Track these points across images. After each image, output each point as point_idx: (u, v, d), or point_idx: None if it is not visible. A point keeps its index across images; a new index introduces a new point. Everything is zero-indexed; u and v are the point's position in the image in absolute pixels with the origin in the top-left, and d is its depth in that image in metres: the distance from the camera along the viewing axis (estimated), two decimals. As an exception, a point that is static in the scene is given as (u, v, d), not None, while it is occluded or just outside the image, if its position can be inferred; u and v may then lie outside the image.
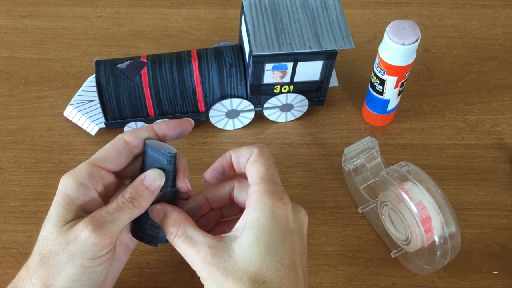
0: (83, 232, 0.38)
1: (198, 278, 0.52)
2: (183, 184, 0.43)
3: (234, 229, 0.40)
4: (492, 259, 0.54)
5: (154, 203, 0.42)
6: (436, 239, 0.47)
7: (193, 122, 0.44)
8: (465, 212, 0.57)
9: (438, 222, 0.47)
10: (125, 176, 0.44)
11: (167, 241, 0.42)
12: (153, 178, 0.41)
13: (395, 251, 0.53)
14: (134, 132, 0.43)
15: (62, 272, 0.38)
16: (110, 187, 0.43)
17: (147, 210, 0.43)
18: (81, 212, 0.40)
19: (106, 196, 0.43)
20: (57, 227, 0.39)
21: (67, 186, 0.40)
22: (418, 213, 0.47)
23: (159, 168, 0.42)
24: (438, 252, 0.48)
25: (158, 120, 0.43)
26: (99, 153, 0.42)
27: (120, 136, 0.43)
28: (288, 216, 0.39)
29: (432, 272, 0.51)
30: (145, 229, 0.43)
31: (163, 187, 0.42)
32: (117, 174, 0.44)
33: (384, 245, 0.54)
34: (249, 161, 0.42)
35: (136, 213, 0.41)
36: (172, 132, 0.43)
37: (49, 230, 0.39)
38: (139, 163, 0.44)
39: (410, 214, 0.47)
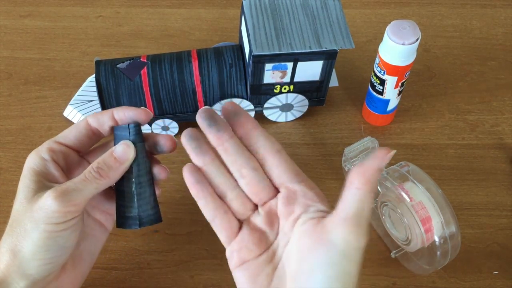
0: (46, 200, 0.39)
1: (198, 278, 0.52)
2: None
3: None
4: (492, 259, 0.54)
5: (127, 178, 0.43)
6: (436, 239, 0.47)
7: (151, 114, 0.44)
8: (465, 212, 0.57)
9: (438, 222, 0.47)
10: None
11: (150, 223, 0.43)
12: (122, 150, 0.42)
13: (395, 251, 0.53)
14: (96, 115, 0.44)
15: (27, 237, 0.40)
16: (73, 164, 0.45)
17: (123, 193, 0.43)
18: (47, 182, 0.42)
19: (70, 172, 0.44)
20: (27, 198, 0.41)
21: (30, 160, 0.42)
22: (418, 213, 0.47)
23: None
24: (438, 252, 0.48)
25: (119, 107, 0.44)
26: (62, 132, 0.45)
27: (85, 117, 0.45)
28: None
29: (432, 272, 0.51)
30: (124, 212, 0.44)
31: (133, 162, 0.43)
32: (86, 157, 0.46)
33: (384, 245, 0.54)
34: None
35: (103, 183, 0.41)
36: (127, 120, 0.44)
37: (19, 202, 0.41)
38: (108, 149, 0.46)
39: (410, 214, 0.47)
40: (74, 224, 0.41)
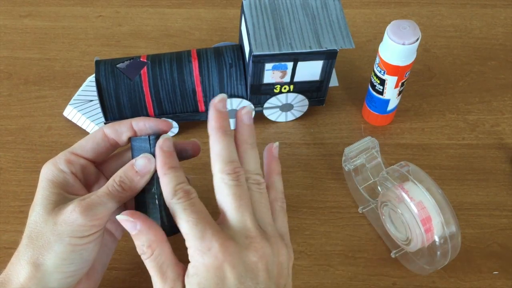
0: (72, 214, 0.39)
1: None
2: (193, 144, 0.45)
3: (186, 274, 0.39)
4: (492, 259, 0.54)
5: (149, 190, 0.43)
6: (436, 239, 0.47)
7: (171, 125, 0.44)
8: (465, 212, 0.57)
9: (438, 222, 0.47)
10: (110, 172, 0.45)
11: (171, 233, 0.42)
12: (143, 163, 0.42)
13: (395, 251, 0.53)
14: (113, 125, 0.44)
15: (51, 250, 0.39)
16: (90, 176, 0.45)
17: (145, 204, 0.43)
18: (66, 194, 0.41)
19: (87, 185, 0.44)
20: (46, 210, 0.40)
21: (48, 172, 0.42)
22: (418, 213, 0.47)
23: None
24: (438, 252, 0.48)
25: (139, 117, 0.44)
26: (78, 143, 0.44)
27: (101, 127, 0.44)
28: (222, 266, 0.37)
29: (432, 272, 0.51)
30: None
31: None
32: (99, 167, 0.46)
33: (384, 245, 0.54)
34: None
35: (126, 196, 0.42)
36: (147, 130, 0.44)
37: (38, 213, 0.40)
38: (124, 160, 0.46)
39: (410, 214, 0.47)
40: (97, 237, 0.41)
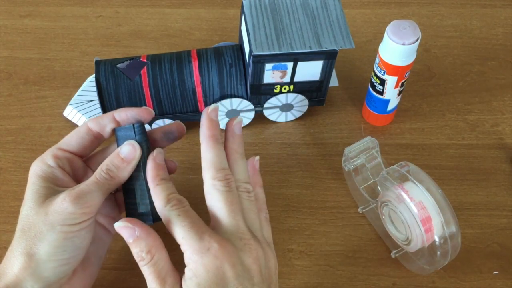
0: (62, 203, 0.40)
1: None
2: (178, 126, 0.47)
3: (183, 279, 0.39)
4: (492, 259, 0.54)
5: (137, 176, 0.43)
6: (436, 239, 0.47)
7: (153, 112, 0.45)
8: (465, 212, 0.57)
9: (438, 222, 0.47)
10: (97, 167, 0.45)
11: (161, 218, 0.43)
12: (128, 150, 0.43)
13: (395, 251, 0.53)
14: (96, 118, 0.45)
15: (43, 240, 0.40)
16: (78, 170, 0.45)
17: (133, 191, 0.44)
18: (55, 187, 0.42)
19: (76, 179, 0.45)
20: (37, 203, 0.41)
21: (36, 168, 0.43)
22: (418, 213, 0.47)
23: None
24: (438, 252, 0.48)
25: (120, 108, 0.45)
26: (64, 138, 0.45)
27: (85, 122, 0.45)
28: (222, 266, 0.38)
29: (432, 272, 0.51)
30: (135, 210, 0.44)
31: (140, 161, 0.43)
32: (87, 162, 0.47)
33: (384, 245, 0.54)
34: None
35: (114, 183, 0.42)
36: (130, 120, 0.44)
37: (29, 207, 0.41)
38: (110, 153, 0.46)
39: (410, 214, 0.47)
40: (89, 225, 0.42)
